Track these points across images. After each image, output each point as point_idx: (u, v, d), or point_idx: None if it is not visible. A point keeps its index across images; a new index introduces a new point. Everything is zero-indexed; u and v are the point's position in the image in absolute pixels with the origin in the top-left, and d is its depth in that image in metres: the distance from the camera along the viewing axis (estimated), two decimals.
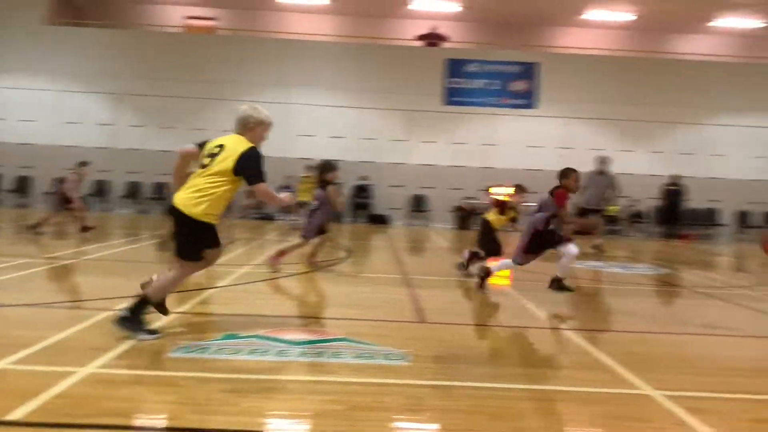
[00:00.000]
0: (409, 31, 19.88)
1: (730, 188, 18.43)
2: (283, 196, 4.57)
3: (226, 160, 4.10)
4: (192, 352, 3.81)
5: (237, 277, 6.88)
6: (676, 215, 17.40)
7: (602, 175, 12.20)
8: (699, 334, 5.14)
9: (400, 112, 18.73)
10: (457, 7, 18.89)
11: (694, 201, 18.09)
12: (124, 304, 4.13)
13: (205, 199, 4.08)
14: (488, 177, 18.50)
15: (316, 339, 4.27)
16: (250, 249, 10.38)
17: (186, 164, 4.47)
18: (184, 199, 4.12)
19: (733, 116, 18.68)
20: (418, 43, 19.75)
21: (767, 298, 7.54)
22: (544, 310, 5.86)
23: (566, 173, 6.48)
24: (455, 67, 18.83)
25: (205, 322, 4.86)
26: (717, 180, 18.33)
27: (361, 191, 18.22)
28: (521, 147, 18.67)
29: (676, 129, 18.74)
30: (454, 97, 18.86)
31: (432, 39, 19.66)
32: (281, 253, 7.56)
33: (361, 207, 18.24)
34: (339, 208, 8.57)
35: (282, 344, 4.07)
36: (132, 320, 4.00)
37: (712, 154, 18.61)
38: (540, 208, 6.43)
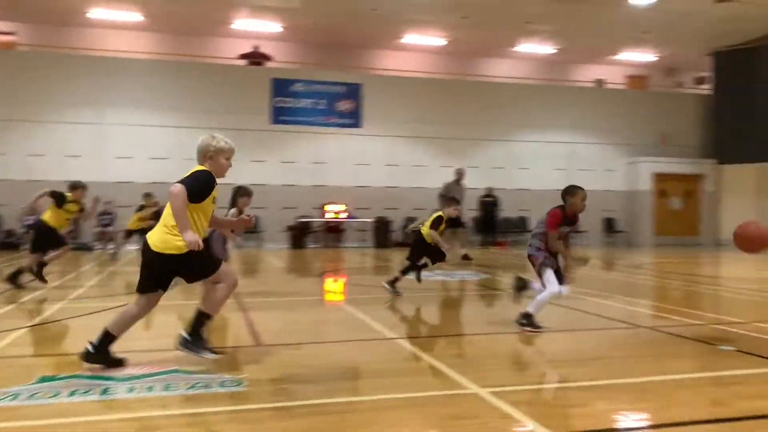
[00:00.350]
0: (233, 50, 19.59)
1: (536, 198, 20.33)
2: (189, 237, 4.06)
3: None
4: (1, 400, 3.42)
5: (52, 314, 6.28)
6: (492, 224, 18.97)
7: (458, 185, 12.96)
8: (517, 333, 5.58)
9: (226, 131, 18.16)
10: (278, 28, 18.97)
11: (507, 211, 19.79)
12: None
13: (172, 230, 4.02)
14: (320, 195, 18.73)
15: (145, 373, 4.02)
16: (64, 282, 9.51)
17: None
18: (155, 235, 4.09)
19: (536, 133, 20.66)
20: (243, 62, 19.51)
21: (572, 296, 8.38)
22: (377, 321, 6.03)
23: (572, 191, 5.52)
24: (281, 86, 18.86)
25: (16, 366, 4.38)
26: (525, 191, 20.14)
27: None
28: (350, 165, 19.13)
29: (488, 145, 20.31)
30: (281, 116, 18.86)
31: (255, 58, 19.51)
32: None
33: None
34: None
35: (107, 382, 3.79)
36: (194, 341, 4.18)
37: (519, 167, 20.42)
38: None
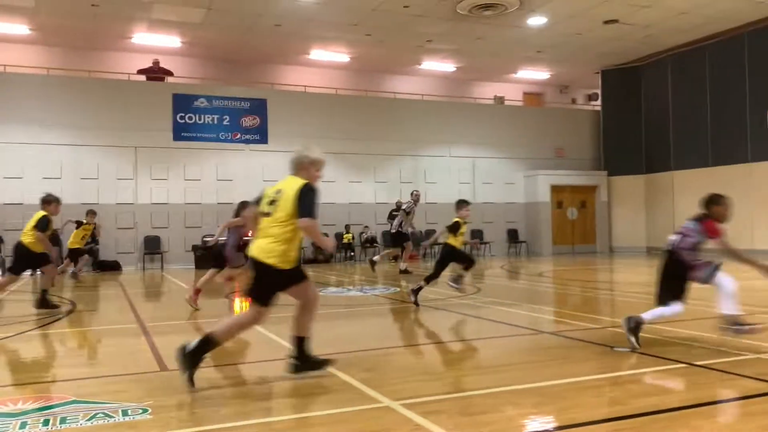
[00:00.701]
0: (133, 65, 18.87)
1: (443, 211, 20.78)
2: (327, 240, 4.46)
3: (287, 203, 4.18)
4: None
5: None
6: (403, 238, 19.18)
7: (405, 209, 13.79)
8: (427, 344, 5.67)
9: (126, 148, 17.59)
10: (178, 43, 18.49)
11: (416, 224, 20.08)
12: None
13: (279, 244, 4.17)
14: (226, 213, 18.26)
15: (40, 406, 3.77)
16: None
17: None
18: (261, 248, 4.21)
19: (441, 148, 21.17)
20: (142, 78, 18.83)
21: (480, 305, 8.63)
22: (288, 340, 5.95)
23: (718, 200, 5.34)
24: (183, 102, 18.33)
25: None
26: (432, 204, 20.55)
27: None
28: (257, 181, 18.79)
29: (395, 160, 20.60)
30: (184, 132, 18.31)
31: (154, 73, 18.86)
32: (197, 291, 8.34)
33: (86, 254, 16.56)
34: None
35: None
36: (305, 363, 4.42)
37: (427, 181, 20.85)
38: (685, 237, 5.38)
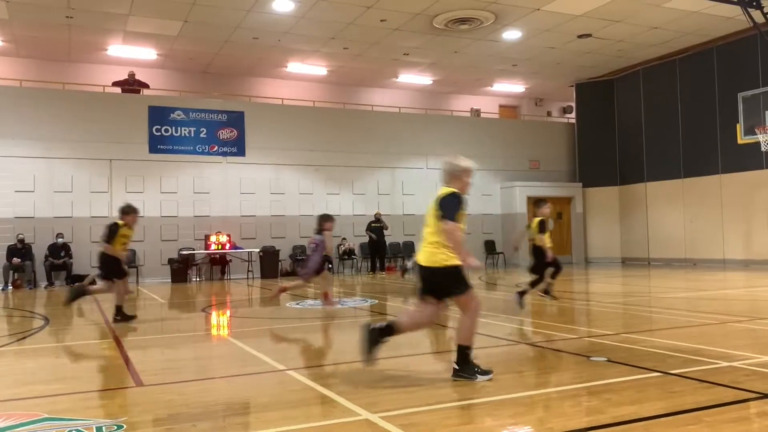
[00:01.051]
0: (108, 78, 18.69)
1: (421, 222, 20.79)
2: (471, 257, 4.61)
3: (433, 213, 4.57)
4: None
5: None
6: (380, 249, 19.28)
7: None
8: (405, 356, 5.66)
9: (100, 161, 17.38)
10: (153, 55, 18.37)
11: (394, 236, 20.16)
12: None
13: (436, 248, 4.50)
14: (203, 226, 18.15)
15: (10, 425, 3.68)
16: None
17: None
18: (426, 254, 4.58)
19: (419, 160, 21.26)
20: (117, 90, 18.65)
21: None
22: (265, 354, 5.91)
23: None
24: (159, 114, 18.18)
25: None
26: (410, 216, 20.61)
27: (59, 250, 16.32)
28: (235, 194, 18.73)
29: (373, 172, 20.64)
30: (160, 145, 18.15)
31: (129, 86, 18.69)
32: (283, 289, 9.50)
33: (59, 268, 16.34)
34: (331, 254, 9.78)
35: None
36: (465, 369, 4.53)
37: (404, 193, 20.90)
38: None
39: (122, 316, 8.55)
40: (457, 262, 4.52)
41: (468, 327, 4.69)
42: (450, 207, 4.50)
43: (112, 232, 8.48)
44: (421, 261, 4.62)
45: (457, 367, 4.63)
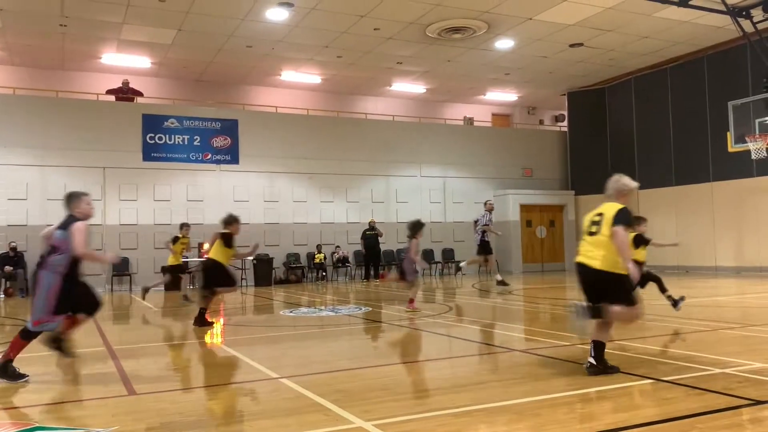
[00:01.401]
0: (103, 86, 18.67)
1: None
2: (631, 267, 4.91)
3: (607, 225, 4.98)
4: None
5: None
6: (375, 257, 19.26)
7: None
8: (399, 363, 5.66)
9: (94, 169, 17.33)
10: (147, 63, 18.37)
11: (388, 243, 20.16)
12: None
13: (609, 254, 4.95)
14: (196, 234, 18.08)
15: None
16: None
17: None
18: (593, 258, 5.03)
19: (413, 168, 21.31)
20: (111, 98, 18.62)
21: (451, 324, 8.66)
22: (259, 362, 5.90)
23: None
24: (153, 123, 18.16)
25: None
26: (404, 223, 20.57)
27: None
28: (228, 202, 18.66)
29: (367, 180, 20.66)
30: (154, 153, 18.12)
31: (123, 93, 18.67)
32: (411, 300, 10.03)
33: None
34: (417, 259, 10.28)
35: None
36: (599, 366, 4.93)
37: (398, 201, 20.93)
38: None
39: (201, 320, 8.73)
40: (624, 270, 4.94)
41: (612, 326, 5.20)
42: (626, 219, 5.03)
43: (228, 238, 8.82)
44: (593, 265, 5.05)
45: (593, 362, 4.99)
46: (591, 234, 5.17)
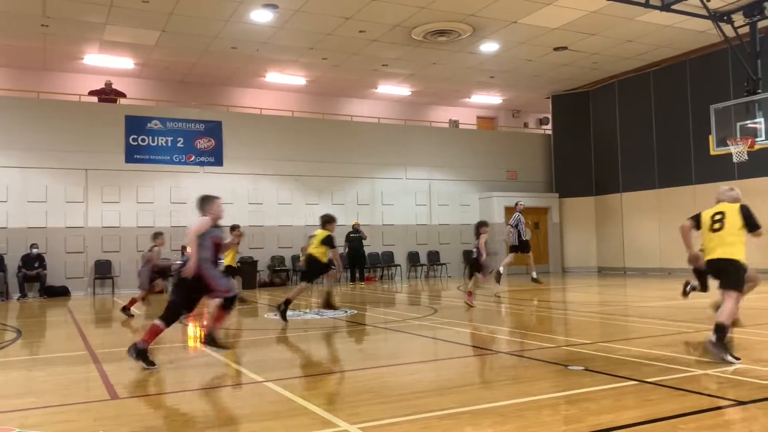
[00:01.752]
0: (85, 87, 18.48)
1: (400, 232, 20.91)
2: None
3: (735, 221, 5.67)
4: None
5: None
6: (360, 260, 19.24)
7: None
8: (385, 366, 5.65)
9: (76, 171, 17.15)
10: (131, 64, 18.22)
11: (374, 246, 20.15)
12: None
13: (740, 248, 5.68)
14: (180, 236, 17.96)
15: None
16: None
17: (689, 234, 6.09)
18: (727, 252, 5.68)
19: (398, 170, 21.33)
20: (93, 99, 18.44)
21: (437, 326, 8.66)
22: (244, 365, 5.85)
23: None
24: (136, 124, 18.01)
25: None
26: (389, 226, 20.63)
27: (32, 261, 16.04)
28: None
29: (353, 182, 20.63)
30: (137, 154, 17.97)
31: (106, 95, 18.49)
32: (470, 293, 10.63)
33: (33, 279, 16.06)
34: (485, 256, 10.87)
35: None
36: (719, 345, 5.31)
37: (384, 203, 20.93)
38: None
39: (283, 312, 9.12)
40: (746, 260, 5.66)
41: (730, 310, 5.55)
42: (753, 218, 5.70)
43: (330, 239, 9.21)
44: (723, 256, 5.68)
45: (714, 340, 5.36)
46: (717, 230, 5.79)
